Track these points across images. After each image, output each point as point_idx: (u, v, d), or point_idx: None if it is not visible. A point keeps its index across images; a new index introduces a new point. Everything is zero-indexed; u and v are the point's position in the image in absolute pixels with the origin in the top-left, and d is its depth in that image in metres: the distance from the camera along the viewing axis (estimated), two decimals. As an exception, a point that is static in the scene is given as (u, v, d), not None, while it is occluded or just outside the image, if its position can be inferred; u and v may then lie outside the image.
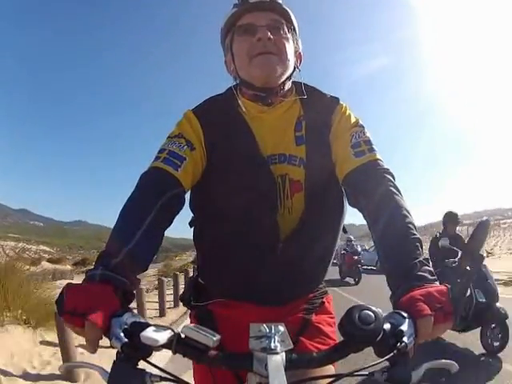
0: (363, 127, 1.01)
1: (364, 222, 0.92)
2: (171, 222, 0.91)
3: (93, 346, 0.64)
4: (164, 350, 0.60)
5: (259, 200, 0.96)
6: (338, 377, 0.64)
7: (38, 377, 3.61)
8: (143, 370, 0.59)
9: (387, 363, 0.60)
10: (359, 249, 13.65)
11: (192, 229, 1.11)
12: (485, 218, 0.70)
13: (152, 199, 0.85)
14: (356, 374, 0.60)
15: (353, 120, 1.03)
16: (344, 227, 1.10)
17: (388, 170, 0.94)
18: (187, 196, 0.99)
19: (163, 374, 0.61)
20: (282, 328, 0.60)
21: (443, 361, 0.63)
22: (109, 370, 0.60)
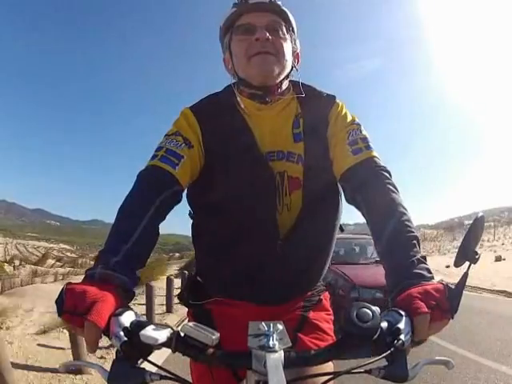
0: (360, 125, 1.02)
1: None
2: (165, 217, 0.91)
3: (92, 346, 0.63)
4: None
5: (258, 197, 0.97)
6: (335, 374, 0.65)
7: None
8: (143, 369, 0.59)
9: (385, 361, 0.60)
10: None
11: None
12: (480, 214, 0.68)
13: (150, 198, 0.86)
14: (354, 371, 0.60)
15: (349, 118, 1.04)
16: (341, 225, 1.10)
17: (385, 167, 0.94)
18: (184, 192, 0.99)
19: (163, 373, 0.61)
20: (280, 326, 0.60)
21: (439, 358, 0.63)
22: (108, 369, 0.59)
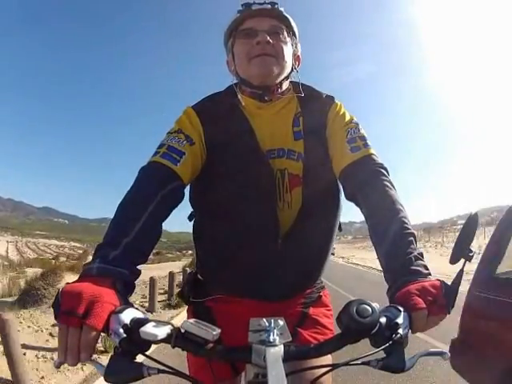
0: (358, 124, 1.05)
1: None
2: (168, 215, 0.91)
3: (89, 350, 0.60)
4: None
5: (259, 194, 0.97)
6: (334, 366, 0.66)
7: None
8: (141, 364, 0.59)
9: (383, 353, 0.61)
10: None
11: (191, 224, 1.11)
12: (473, 213, 0.69)
13: (151, 192, 0.85)
14: (352, 363, 0.61)
15: (348, 117, 1.06)
16: (340, 224, 1.11)
17: (382, 164, 0.96)
18: (187, 191, 0.99)
19: (161, 367, 0.61)
20: (281, 322, 0.61)
21: (435, 350, 0.65)
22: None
